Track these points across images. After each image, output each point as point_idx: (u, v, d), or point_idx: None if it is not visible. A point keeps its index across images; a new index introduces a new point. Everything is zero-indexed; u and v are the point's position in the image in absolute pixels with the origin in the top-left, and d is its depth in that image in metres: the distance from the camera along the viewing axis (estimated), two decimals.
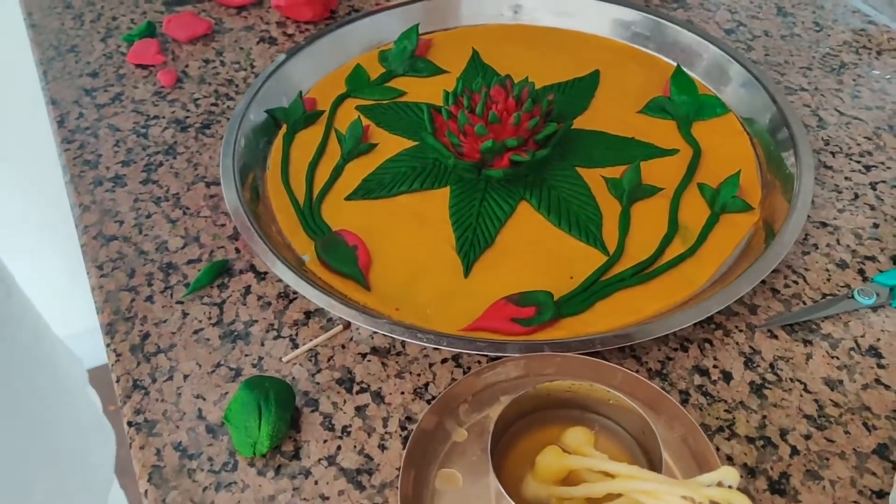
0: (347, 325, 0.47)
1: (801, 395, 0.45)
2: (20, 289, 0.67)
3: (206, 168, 0.59)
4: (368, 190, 0.57)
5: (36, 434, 0.60)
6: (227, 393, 0.45)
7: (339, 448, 0.43)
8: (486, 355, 0.46)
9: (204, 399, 0.45)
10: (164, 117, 0.64)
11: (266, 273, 0.52)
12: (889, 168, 0.59)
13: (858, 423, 0.43)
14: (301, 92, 0.65)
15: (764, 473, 0.41)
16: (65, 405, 0.66)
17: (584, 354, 0.43)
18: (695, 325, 0.48)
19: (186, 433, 0.43)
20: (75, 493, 0.66)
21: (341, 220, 0.55)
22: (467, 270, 0.52)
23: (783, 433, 0.43)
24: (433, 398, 0.45)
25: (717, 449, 0.42)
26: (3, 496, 0.55)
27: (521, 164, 0.56)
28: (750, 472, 0.41)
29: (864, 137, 0.62)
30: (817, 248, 0.54)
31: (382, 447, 0.43)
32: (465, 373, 0.46)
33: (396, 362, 0.47)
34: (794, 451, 0.42)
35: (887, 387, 0.45)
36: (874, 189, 0.58)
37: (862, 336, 0.48)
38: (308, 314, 0.49)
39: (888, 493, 0.41)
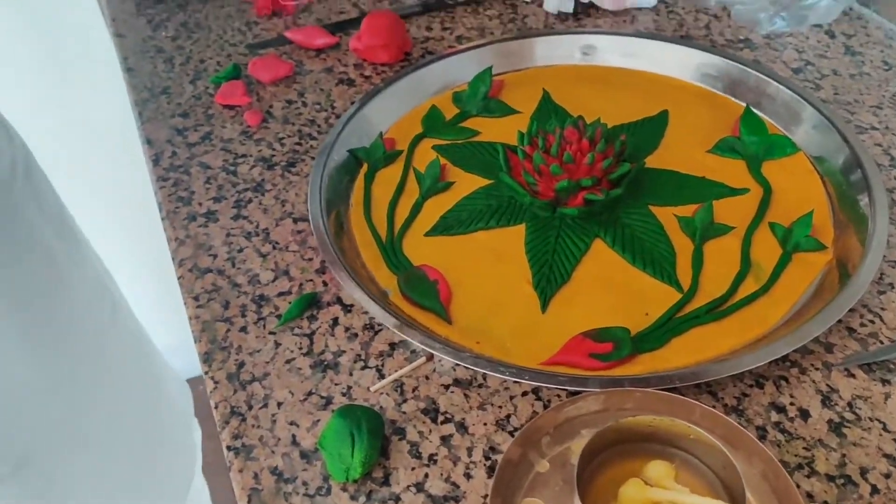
0: (431, 357, 0.49)
1: (881, 435, 0.45)
2: (128, 306, 0.72)
3: (292, 205, 0.63)
4: (447, 226, 0.60)
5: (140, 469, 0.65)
6: (318, 420, 0.48)
7: (426, 476, 0.45)
8: (567, 389, 0.48)
9: (297, 426, 0.47)
10: (251, 156, 0.68)
11: (352, 305, 0.54)
12: None
13: None
14: (381, 133, 0.68)
15: None
16: (171, 431, 0.72)
17: (661, 390, 0.44)
18: (770, 362, 0.49)
19: (282, 458, 0.46)
20: None
21: (422, 255, 0.58)
22: (544, 306, 0.54)
23: (863, 472, 0.44)
24: (515, 430, 0.47)
25: (797, 486, 0.43)
26: None
27: (595, 202, 0.58)
28: None
29: None
30: (893, 287, 0.54)
31: (468, 476, 0.44)
32: (545, 406, 0.48)
33: (478, 394, 0.49)
34: (875, 490, 0.43)
35: None
36: None
37: None
38: (393, 346, 0.52)
39: None
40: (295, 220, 0.61)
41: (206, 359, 0.52)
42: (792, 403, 0.47)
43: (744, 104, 0.68)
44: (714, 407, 0.47)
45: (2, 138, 0.58)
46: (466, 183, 0.64)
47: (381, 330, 0.53)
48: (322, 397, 0.49)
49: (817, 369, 0.49)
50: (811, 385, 0.48)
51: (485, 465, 0.45)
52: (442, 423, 0.47)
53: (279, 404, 0.49)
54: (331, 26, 0.83)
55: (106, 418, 0.66)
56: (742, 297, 0.53)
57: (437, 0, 0.87)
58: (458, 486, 0.44)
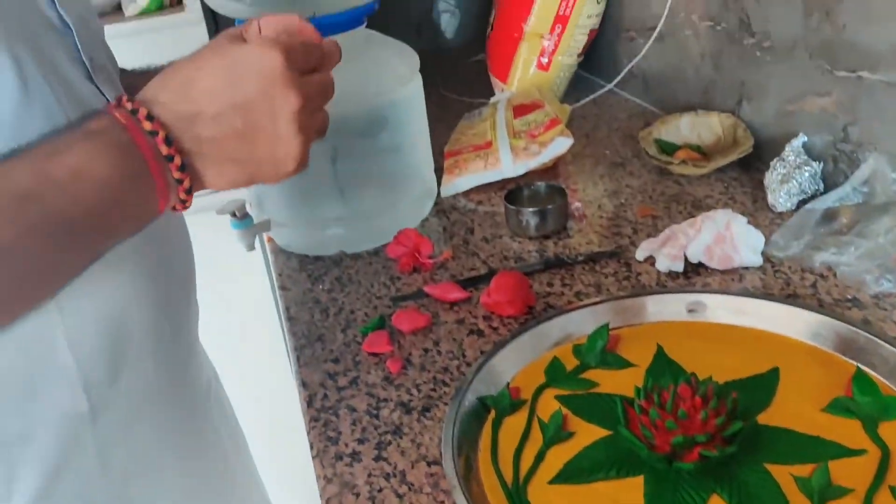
0: None
1: None
2: None
3: (427, 448, 0.70)
4: (569, 475, 0.64)
5: None
6: None
7: None
8: None
9: None
10: (391, 400, 0.76)
11: None
12: None
13: None
14: (508, 382, 0.75)
15: None
16: None
17: None
18: None
19: None
20: None
21: (546, 502, 0.62)
22: None
23: None
24: None
25: None
26: None
27: (710, 458, 0.61)
28: None
29: None
30: None
31: None
32: None
33: None
34: None
35: None
36: None
37: None
38: None
39: None
40: (429, 464, 0.68)
41: None
42: None
43: (855, 363, 0.71)
44: None
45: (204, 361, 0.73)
46: (587, 433, 0.69)
47: None
48: None
49: None
50: None
51: None
52: None
53: None
54: (463, 282, 0.95)
55: None
56: None
57: (557, 258, 0.97)
58: None
